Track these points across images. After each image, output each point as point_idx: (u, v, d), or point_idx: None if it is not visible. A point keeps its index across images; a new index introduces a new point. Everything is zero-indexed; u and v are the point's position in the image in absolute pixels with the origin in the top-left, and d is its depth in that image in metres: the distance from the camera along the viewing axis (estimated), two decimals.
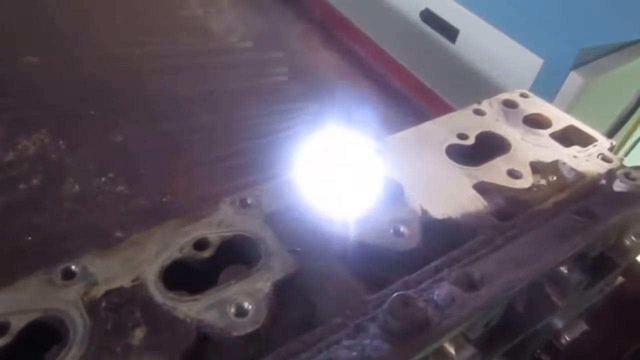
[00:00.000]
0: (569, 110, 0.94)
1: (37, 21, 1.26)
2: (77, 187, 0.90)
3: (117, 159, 0.96)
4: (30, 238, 0.81)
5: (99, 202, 0.89)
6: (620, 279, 0.62)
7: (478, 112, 0.66)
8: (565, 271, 0.52)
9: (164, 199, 0.91)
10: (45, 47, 1.17)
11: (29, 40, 1.19)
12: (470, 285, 0.45)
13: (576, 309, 0.60)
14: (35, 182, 0.90)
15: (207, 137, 1.05)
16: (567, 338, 0.59)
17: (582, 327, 0.60)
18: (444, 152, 0.60)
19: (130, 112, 1.06)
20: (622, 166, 0.59)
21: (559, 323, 0.58)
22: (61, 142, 0.97)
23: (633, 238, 0.55)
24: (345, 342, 0.39)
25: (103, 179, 0.92)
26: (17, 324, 0.38)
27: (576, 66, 0.96)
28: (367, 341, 0.39)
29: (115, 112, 1.06)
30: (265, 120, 1.09)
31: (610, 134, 1.15)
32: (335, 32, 1.39)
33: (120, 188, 0.91)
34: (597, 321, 0.62)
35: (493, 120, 0.65)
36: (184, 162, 0.99)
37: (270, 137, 1.06)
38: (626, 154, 1.32)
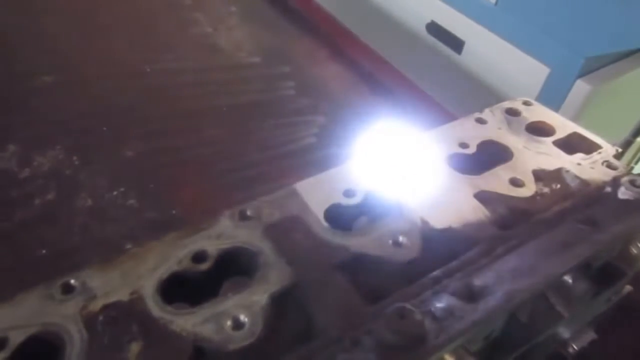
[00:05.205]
0: (575, 118, 0.93)
1: (50, 41, 1.30)
2: (89, 201, 0.92)
3: (129, 174, 0.98)
4: (44, 251, 0.83)
5: (111, 216, 0.91)
6: (628, 288, 0.61)
7: (480, 121, 0.65)
8: (570, 280, 0.51)
9: (174, 212, 0.92)
10: (58, 66, 1.20)
11: (42, 60, 1.23)
12: (470, 296, 0.45)
13: (583, 318, 0.58)
14: (49, 197, 0.92)
15: (216, 151, 1.06)
16: (575, 347, 0.57)
17: (591, 335, 0.58)
18: (445, 161, 0.59)
19: (141, 128, 1.08)
20: (628, 173, 0.57)
21: (565, 332, 0.56)
22: (75, 158, 0.99)
23: None
24: (341, 356, 0.39)
25: (115, 193, 0.94)
26: (16, 338, 0.39)
27: (582, 74, 0.96)
28: (362, 355, 0.39)
29: (126, 128, 1.08)
30: (273, 134, 1.11)
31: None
32: (342, 46, 1.41)
33: (131, 202, 0.93)
34: (606, 330, 0.61)
35: (495, 129, 0.64)
36: (193, 175, 1.00)
37: (278, 149, 1.07)
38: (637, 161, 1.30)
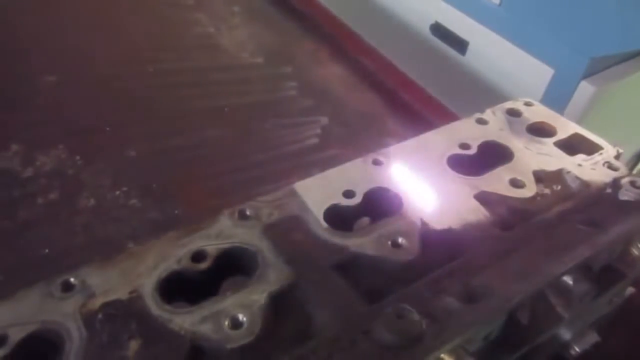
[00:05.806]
0: (580, 119, 0.93)
1: (53, 41, 1.30)
2: (92, 201, 0.92)
3: (131, 173, 0.98)
4: (47, 250, 0.83)
5: (113, 216, 0.91)
6: (630, 289, 0.60)
7: (481, 121, 0.65)
8: (571, 282, 0.51)
9: (176, 212, 0.92)
10: (61, 66, 1.21)
11: (46, 60, 1.23)
12: (469, 297, 0.45)
13: (585, 320, 0.58)
14: (52, 196, 0.92)
15: (219, 151, 1.06)
16: (577, 349, 0.57)
17: (593, 337, 0.58)
18: (445, 162, 0.59)
19: (144, 128, 1.09)
20: (629, 174, 0.57)
21: (566, 334, 0.56)
22: (77, 157, 0.99)
23: None
24: (339, 356, 0.39)
25: (117, 192, 0.94)
26: (16, 335, 0.39)
27: (587, 75, 0.95)
28: (360, 355, 0.39)
29: (129, 128, 1.08)
30: (275, 134, 1.11)
31: None
32: (345, 46, 1.41)
33: (133, 201, 0.93)
34: (609, 332, 0.60)
35: (496, 129, 0.64)
36: (195, 175, 1.01)
37: (281, 149, 1.07)
38: None
